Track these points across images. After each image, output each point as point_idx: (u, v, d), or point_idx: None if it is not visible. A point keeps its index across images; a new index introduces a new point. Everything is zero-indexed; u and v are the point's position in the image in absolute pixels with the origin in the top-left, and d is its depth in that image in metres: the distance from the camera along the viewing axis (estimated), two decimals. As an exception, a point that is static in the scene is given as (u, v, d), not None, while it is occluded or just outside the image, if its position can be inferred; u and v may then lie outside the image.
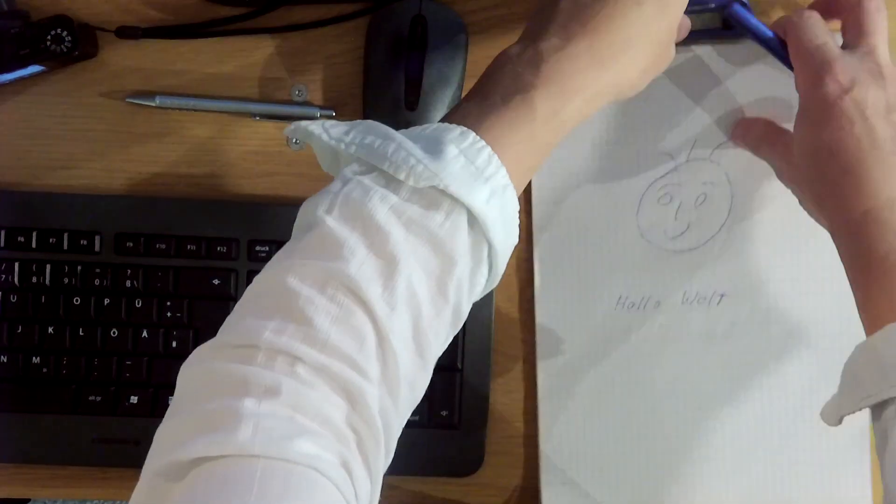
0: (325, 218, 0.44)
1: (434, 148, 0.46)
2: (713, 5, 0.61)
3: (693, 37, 0.61)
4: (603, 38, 0.51)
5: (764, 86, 0.65)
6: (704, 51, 0.65)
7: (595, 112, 0.53)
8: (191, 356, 0.44)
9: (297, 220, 0.47)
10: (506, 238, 0.48)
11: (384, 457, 0.45)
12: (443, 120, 0.49)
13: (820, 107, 0.55)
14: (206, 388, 0.42)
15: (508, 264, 0.66)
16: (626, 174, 0.65)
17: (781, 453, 0.65)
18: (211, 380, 0.42)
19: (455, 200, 0.45)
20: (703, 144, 0.65)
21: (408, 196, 0.45)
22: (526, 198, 0.66)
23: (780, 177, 0.61)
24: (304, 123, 0.48)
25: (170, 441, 0.41)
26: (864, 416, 0.65)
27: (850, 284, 0.55)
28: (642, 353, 0.65)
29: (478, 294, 0.50)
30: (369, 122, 0.48)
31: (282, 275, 0.44)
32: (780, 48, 0.60)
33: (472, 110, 0.49)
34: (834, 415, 0.54)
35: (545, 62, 0.50)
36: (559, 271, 0.65)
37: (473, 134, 0.47)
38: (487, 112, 0.49)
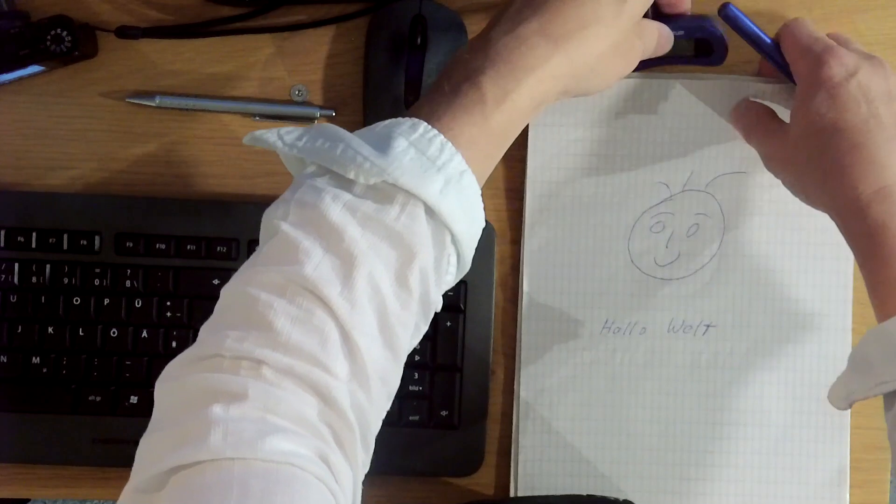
0: (280, 224, 0.45)
1: (383, 143, 0.46)
2: (681, 33, 0.60)
3: (666, 61, 0.62)
4: (554, 17, 0.51)
5: None
6: (704, 85, 0.65)
7: (554, 97, 0.52)
8: (162, 373, 0.45)
9: (260, 231, 0.48)
10: (468, 224, 0.48)
11: (363, 450, 0.45)
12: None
13: (825, 88, 0.55)
14: (176, 403, 0.43)
15: (508, 264, 0.66)
16: (620, 201, 0.65)
17: (759, 486, 0.65)
18: (180, 394, 0.43)
19: (409, 192, 0.45)
20: (699, 176, 0.65)
21: (362, 193, 0.45)
22: (518, 216, 0.66)
23: (768, 163, 0.61)
24: (259, 133, 0.48)
25: (145, 458, 0.42)
26: (844, 450, 0.65)
27: (860, 267, 0.55)
28: (625, 379, 0.65)
29: (449, 282, 0.50)
30: (324, 125, 0.48)
31: (242, 284, 0.45)
32: (773, 50, 0.60)
33: (425, 103, 0.49)
34: (843, 398, 0.54)
35: (493, 46, 0.50)
36: (547, 291, 0.65)
37: (424, 124, 0.47)
38: (438, 101, 0.49)
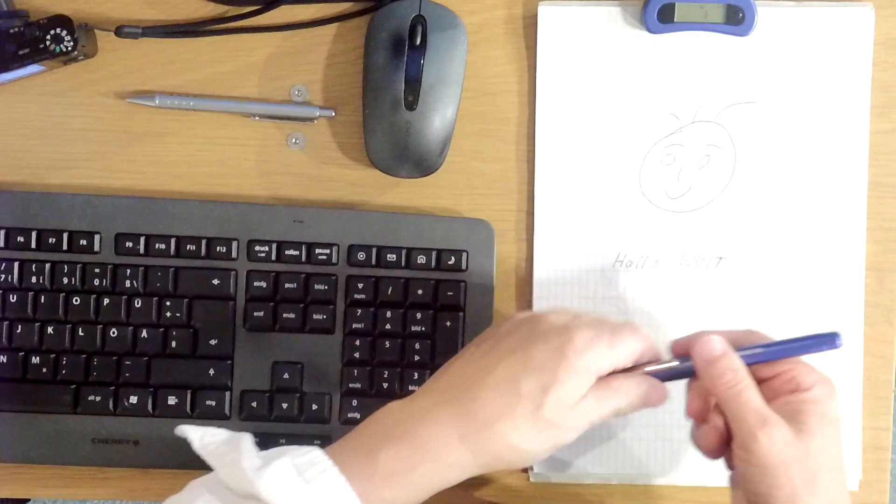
0: None
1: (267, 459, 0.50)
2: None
3: (694, 28, 0.62)
4: (469, 406, 0.52)
5: (771, 51, 0.65)
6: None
7: (456, 481, 0.53)
8: None
9: None
10: None
11: None
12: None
13: (759, 465, 0.51)
14: None
15: (508, 264, 0.66)
16: (630, 134, 0.66)
17: None
18: None
19: None
20: (709, 106, 0.65)
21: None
22: (529, 155, 0.66)
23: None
24: (184, 427, 0.53)
25: None
26: (857, 380, 0.65)
27: None
28: (638, 312, 0.66)
29: None
30: (241, 439, 0.52)
31: None
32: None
33: (340, 446, 0.53)
34: None
35: (406, 420, 0.52)
36: (559, 227, 0.66)
37: (320, 464, 0.50)
38: (342, 454, 0.51)
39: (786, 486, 0.50)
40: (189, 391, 0.64)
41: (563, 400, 0.52)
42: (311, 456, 0.50)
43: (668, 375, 0.55)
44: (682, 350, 0.55)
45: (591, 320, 0.54)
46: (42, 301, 0.63)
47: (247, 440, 0.52)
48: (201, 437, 0.53)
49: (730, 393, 0.52)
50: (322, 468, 0.49)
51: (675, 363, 0.55)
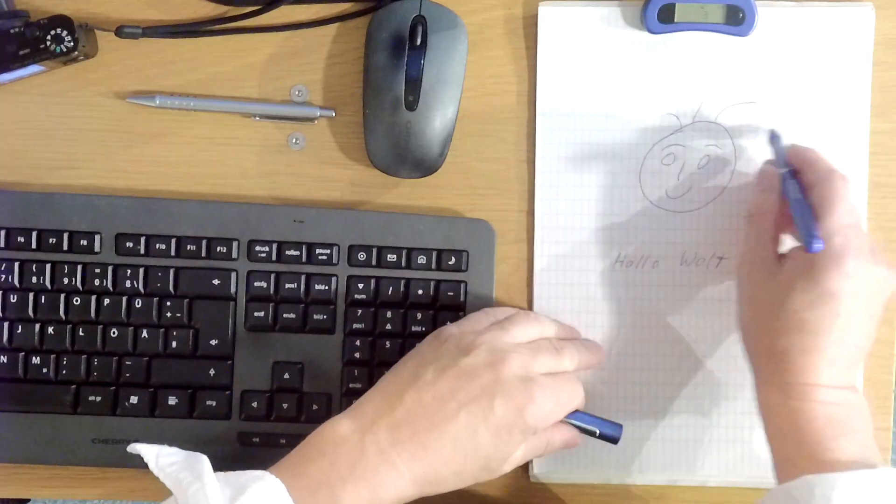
0: None
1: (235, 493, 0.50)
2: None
3: (694, 28, 0.63)
4: (428, 456, 0.54)
5: (771, 51, 0.65)
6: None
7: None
8: None
9: None
10: None
11: None
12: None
13: (821, 289, 0.55)
14: None
15: (508, 264, 0.66)
16: (630, 133, 0.66)
17: None
18: None
19: None
20: (709, 107, 0.66)
21: None
22: (529, 155, 0.66)
23: (741, 274, 0.62)
24: (140, 446, 0.53)
25: None
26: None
27: (768, 437, 0.58)
28: (638, 313, 0.66)
29: None
30: (198, 456, 0.52)
31: None
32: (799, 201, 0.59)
33: (287, 479, 0.52)
34: None
35: (366, 458, 0.53)
36: (559, 227, 0.66)
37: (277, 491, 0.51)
38: (297, 489, 0.51)
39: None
40: (189, 391, 0.64)
41: (512, 460, 0.58)
42: (273, 492, 0.51)
43: (587, 431, 0.61)
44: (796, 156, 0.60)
45: (546, 367, 0.58)
46: (42, 301, 0.63)
47: (206, 465, 0.52)
48: (157, 456, 0.52)
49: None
50: None
51: (595, 429, 0.61)
